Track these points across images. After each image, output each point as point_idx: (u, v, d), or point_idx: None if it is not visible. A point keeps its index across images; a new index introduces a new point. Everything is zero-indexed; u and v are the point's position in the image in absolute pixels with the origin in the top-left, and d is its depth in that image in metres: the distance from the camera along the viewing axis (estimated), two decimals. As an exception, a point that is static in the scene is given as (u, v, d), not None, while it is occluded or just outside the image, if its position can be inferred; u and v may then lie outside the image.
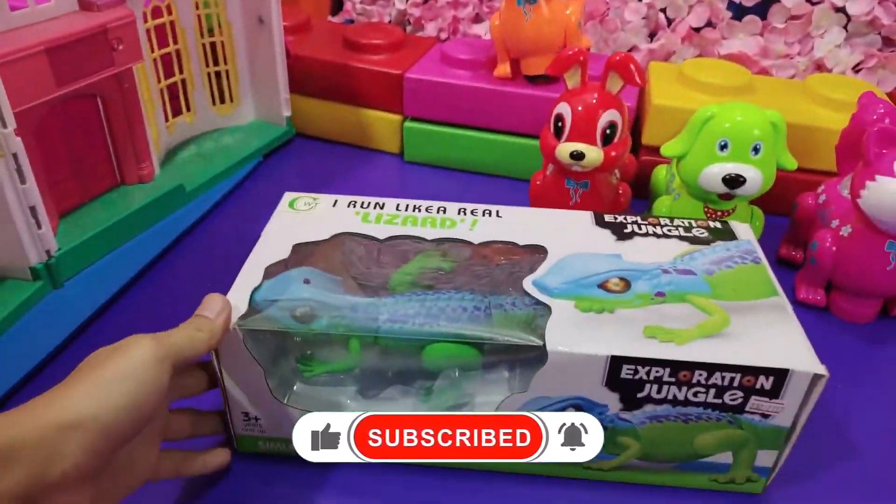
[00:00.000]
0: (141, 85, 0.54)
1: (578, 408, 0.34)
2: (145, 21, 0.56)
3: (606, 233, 0.40)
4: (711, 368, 0.32)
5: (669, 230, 0.40)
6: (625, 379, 0.32)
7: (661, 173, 0.55)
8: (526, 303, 0.35)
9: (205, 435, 0.36)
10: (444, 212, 0.42)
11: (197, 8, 0.61)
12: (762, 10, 0.65)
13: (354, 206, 0.42)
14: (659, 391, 0.33)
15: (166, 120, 0.61)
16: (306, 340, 0.36)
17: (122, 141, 0.54)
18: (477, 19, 0.73)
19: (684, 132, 0.47)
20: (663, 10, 0.67)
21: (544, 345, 0.32)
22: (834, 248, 0.47)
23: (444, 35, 0.74)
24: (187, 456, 0.34)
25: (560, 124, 0.48)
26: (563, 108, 0.48)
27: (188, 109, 0.65)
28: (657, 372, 0.32)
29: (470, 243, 0.39)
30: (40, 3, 0.46)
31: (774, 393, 0.32)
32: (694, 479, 0.36)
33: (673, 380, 0.32)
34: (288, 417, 0.35)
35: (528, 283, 0.36)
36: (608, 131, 0.47)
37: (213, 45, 0.64)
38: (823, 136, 0.54)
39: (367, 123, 0.68)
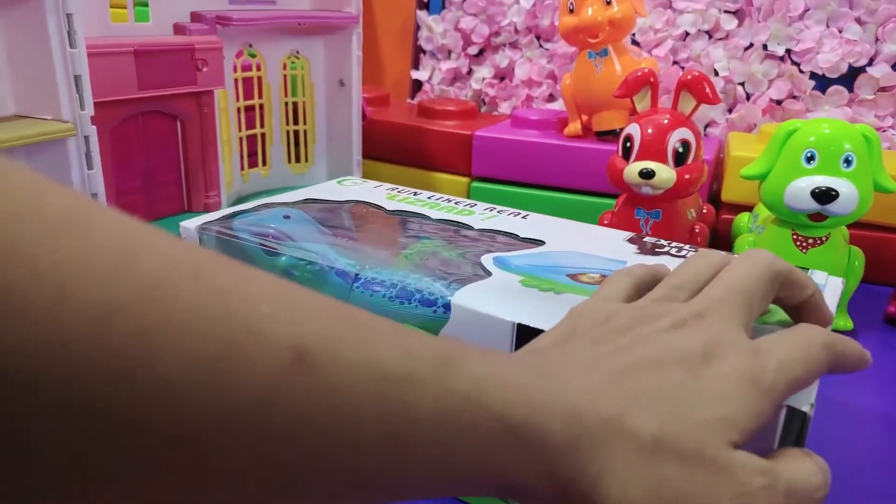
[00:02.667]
0: (220, 119, 0.56)
1: None
2: (234, 71, 0.60)
3: (633, 248, 0.35)
4: None
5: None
6: None
7: (742, 219, 0.51)
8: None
9: None
10: (473, 206, 0.40)
11: (284, 68, 0.66)
12: (848, 82, 0.62)
13: (394, 190, 0.41)
14: None
15: (242, 169, 0.64)
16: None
17: (195, 166, 0.55)
18: (550, 98, 0.74)
19: (765, 150, 0.43)
20: (742, 84, 0.66)
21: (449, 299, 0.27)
22: (954, 286, 0.40)
23: (517, 115, 0.75)
24: None
25: (629, 145, 0.45)
26: (632, 129, 0.46)
27: (264, 164, 0.67)
28: None
29: (470, 227, 0.36)
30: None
31: None
32: None
33: None
34: None
35: (486, 258, 0.31)
36: (680, 150, 0.44)
37: (294, 104, 0.67)
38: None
39: (434, 185, 0.68)
